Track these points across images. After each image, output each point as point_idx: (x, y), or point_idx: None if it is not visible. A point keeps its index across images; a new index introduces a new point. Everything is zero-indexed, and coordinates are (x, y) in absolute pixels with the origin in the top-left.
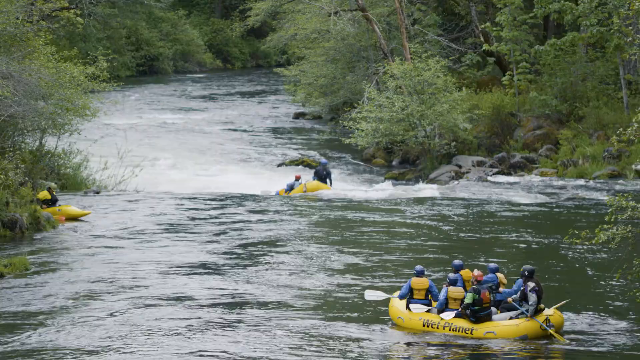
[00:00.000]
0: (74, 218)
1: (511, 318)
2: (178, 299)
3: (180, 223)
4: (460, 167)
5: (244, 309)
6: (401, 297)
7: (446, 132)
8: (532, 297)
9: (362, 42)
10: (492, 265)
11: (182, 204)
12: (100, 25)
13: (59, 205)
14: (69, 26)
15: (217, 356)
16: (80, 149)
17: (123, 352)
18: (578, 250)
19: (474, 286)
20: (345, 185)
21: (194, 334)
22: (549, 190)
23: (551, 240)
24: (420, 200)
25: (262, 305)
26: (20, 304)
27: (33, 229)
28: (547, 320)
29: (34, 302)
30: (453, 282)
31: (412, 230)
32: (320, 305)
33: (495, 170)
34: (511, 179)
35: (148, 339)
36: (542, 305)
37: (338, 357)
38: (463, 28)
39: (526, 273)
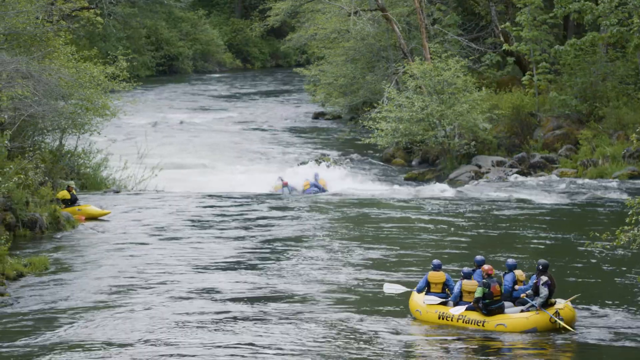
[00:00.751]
0: (94, 217)
1: (522, 311)
2: (201, 293)
3: (201, 222)
4: (480, 167)
5: (270, 302)
6: (419, 291)
7: (466, 132)
8: (544, 291)
9: (382, 42)
10: (510, 261)
11: (202, 203)
12: (120, 25)
13: (79, 205)
14: (89, 26)
15: (245, 348)
16: (100, 148)
17: (152, 345)
18: (597, 249)
19: (484, 280)
20: (365, 185)
21: (221, 326)
22: (568, 190)
23: (571, 239)
24: (440, 200)
25: (289, 298)
26: (41, 303)
27: (53, 228)
28: (556, 313)
29: (55, 300)
30: (467, 276)
31: (431, 227)
32: (343, 298)
33: (515, 170)
34: (531, 179)
35: (173, 332)
36: (552, 300)
37: (360, 348)
38: (483, 28)
39: (540, 267)
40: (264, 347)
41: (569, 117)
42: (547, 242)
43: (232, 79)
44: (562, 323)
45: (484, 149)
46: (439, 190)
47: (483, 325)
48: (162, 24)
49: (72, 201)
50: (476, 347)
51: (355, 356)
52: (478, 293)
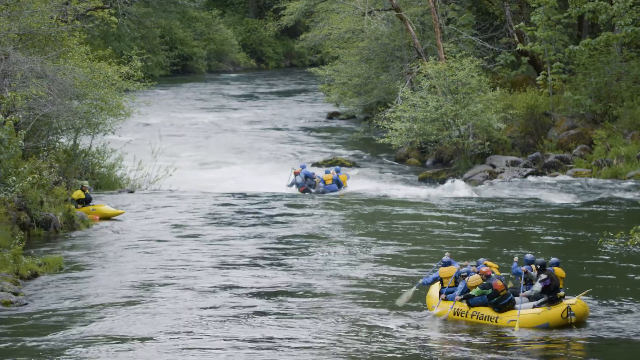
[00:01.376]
0: (108, 217)
1: (534, 307)
2: (218, 290)
3: (216, 221)
4: (494, 167)
5: (290, 297)
6: (425, 284)
7: (480, 131)
8: (538, 286)
9: (396, 42)
10: (528, 256)
11: (217, 202)
12: (134, 24)
13: (93, 205)
14: (103, 25)
15: (266, 342)
16: (114, 148)
17: (167, 342)
18: (611, 247)
19: (484, 282)
20: (380, 185)
21: (240, 322)
22: (583, 190)
23: (585, 238)
24: (454, 200)
25: (308, 293)
26: (56, 302)
27: (67, 228)
28: (568, 309)
29: (69, 300)
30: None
31: (446, 225)
32: (362, 293)
33: (529, 170)
34: (545, 179)
35: (190, 328)
36: (562, 293)
37: (378, 343)
38: (497, 27)
39: (538, 266)
40: (285, 340)
41: (584, 117)
42: (561, 240)
43: (246, 78)
44: (573, 320)
45: (498, 148)
46: (454, 189)
47: (496, 322)
48: (176, 23)
49: (87, 201)
50: (489, 342)
51: (373, 350)
52: (476, 293)
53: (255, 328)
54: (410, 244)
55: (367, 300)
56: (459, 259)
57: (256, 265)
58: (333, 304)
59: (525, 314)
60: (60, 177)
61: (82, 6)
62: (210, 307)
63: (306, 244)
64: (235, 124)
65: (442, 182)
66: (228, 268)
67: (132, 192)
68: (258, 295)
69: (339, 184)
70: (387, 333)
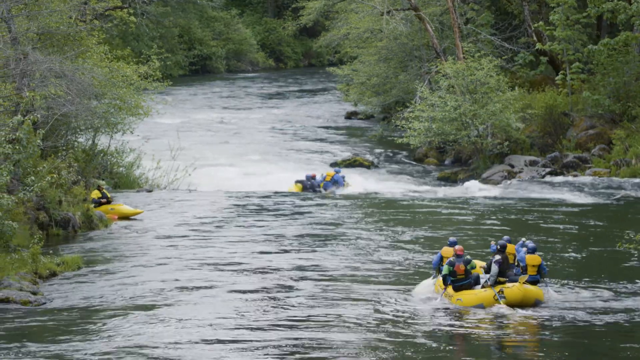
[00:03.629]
0: (126, 217)
1: (482, 288)
2: (239, 289)
3: (235, 220)
4: (512, 166)
5: (317, 289)
6: (434, 265)
7: (499, 131)
8: (494, 268)
9: (415, 42)
10: (530, 244)
11: (236, 202)
12: (152, 24)
13: (111, 204)
14: (122, 25)
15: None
16: (132, 147)
17: (191, 343)
18: (631, 248)
19: (450, 259)
20: (398, 184)
21: (261, 321)
22: (601, 190)
23: (603, 237)
24: (473, 198)
25: (333, 286)
26: (74, 302)
27: (86, 227)
28: (501, 291)
29: (88, 299)
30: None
31: (464, 221)
32: (386, 281)
33: (547, 170)
34: (564, 178)
35: (211, 330)
36: (503, 279)
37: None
38: (516, 27)
39: (498, 247)
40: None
41: (602, 117)
42: (580, 240)
43: (265, 78)
44: (503, 302)
45: (517, 148)
46: (472, 189)
47: (450, 299)
48: (195, 23)
49: (105, 201)
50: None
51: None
52: (445, 271)
53: (280, 328)
54: (429, 238)
55: (391, 285)
56: (476, 257)
57: (277, 262)
58: (358, 290)
59: (466, 294)
60: (79, 177)
61: (101, 6)
62: (233, 306)
63: (326, 240)
64: (254, 124)
65: (461, 181)
66: (248, 266)
67: (150, 191)
68: (280, 293)
69: (339, 182)
70: (396, 317)
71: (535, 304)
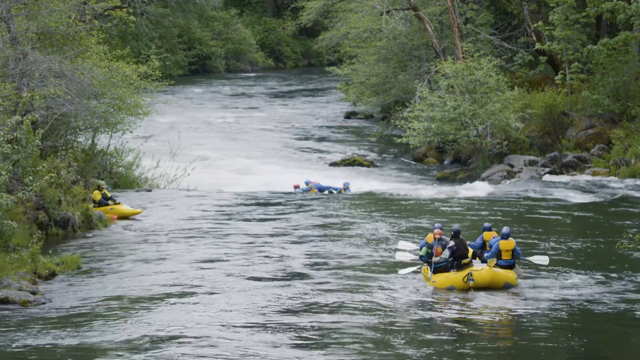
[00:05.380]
0: (126, 217)
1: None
2: (237, 288)
3: (234, 220)
4: (512, 166)
5: (316, 287)
6: (420, 248)
7: (498, 131)
8: (446, 253)
9: (414, 41)
10: (505, 230)
11: (235, 202)
12: (152, 24)
13: (111, 204)
14: (122, 25)
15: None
16: (132, 147)
17: (190, 343)
18: (629, 249)
19: (429, 242)
20: (397, 184)
21: (263, 321)
22: (601, 189)
23: (602, 237)
24: (472, 198)
25: (334, 283)
26: (74, 301)
27: (85, 227)
28: (469, 274)
29: (87, 299)
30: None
31: (465, 220)
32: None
33: (547, 169)
34: (563, 178)
35: (211, 329)
36: (467, 260)
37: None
38: (515, 27)
39: (452, 232)
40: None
41: (602, 117)
42: (578, 239)
43: (265, 78)
44: (471, 285)
45: (516, 148)
46: (472, 189)
47: (428, 281)
48: (194, 23)
49: (106, 200)
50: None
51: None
52: (422, 252)
53: (280, 330)
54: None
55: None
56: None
57: (277, 261)
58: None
59: (440, 276)
60: (79, 177)
61: (100, 6)
62: (231, 305)
63: (325, 238)
64: (253, 123)
65: (460, 181)
66: (248, 266)
67: (150, 191)
68: (281, 294)
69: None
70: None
71: (505, 287)
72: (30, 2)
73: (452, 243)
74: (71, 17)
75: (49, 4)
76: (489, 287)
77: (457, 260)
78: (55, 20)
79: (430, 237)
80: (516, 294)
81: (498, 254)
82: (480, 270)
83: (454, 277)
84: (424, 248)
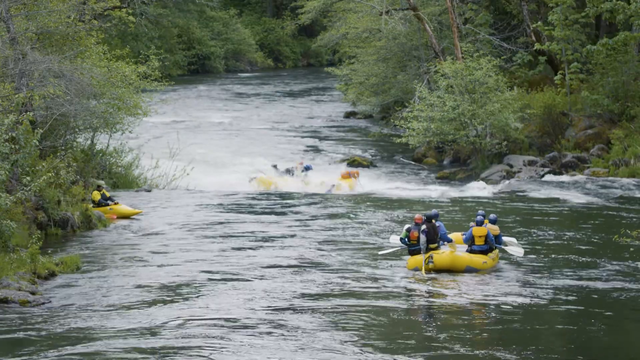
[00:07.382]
0: (125, 217)
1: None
2: (237, 289)
3: (234, 219)
4: (511, 166)
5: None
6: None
7: (497, 131)
8: (422, 238)
9: (414, 41)
10: (492, 216)
11: (234, 202)
12: (151, 24)
13: (111, 204)
14: (121, 25)
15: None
16: (131, 147)
17: (191, 340)
18: (627, 245)
19: (408, 225)
20: (396, 184)
21: (263, 323)
22: (600, 189)
23: (601, 236)
24: (471, 199)
25: (332, 283)
26: (73, 302)
27: (84, 227)
28: (430, 257)
29: (87, 299)
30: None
31: (458, 219)
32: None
33: (546, 169)
34: (562, 178)
35: (213, 330)
36: (434, 245)
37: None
38: (515, 27)
39: (424, 218)
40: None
41: (601, 117)
42: (577, 238)
43: (264, 78)
44: (430, 267)
45: (516, 148)
46: (471, 189)
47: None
48: (193, 23)
49: (106, 201)
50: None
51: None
52: (402, 234)
53: (281, 327)
54: None
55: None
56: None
57: (277, 261)
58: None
59: (412, 259)
60: (78, 177)
61: (100, 6)
62: (233, 304)
63: (326, 237)
64: (253, 123)
65: (460, 181)
66: (248, 265)
67: (149, 191)
68: (281, 292)
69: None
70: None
71: (467, 270)
72: (30, 2)
73: (424, 227)
74: (70, 17)
75: (48, 4)
76: (450, 270)
77: (426, 245)
78: (54, 20)
79: (475, 231)
80: (492, 281)
81: (471, 239)
82: (441, 253)
83: (419, 259)
84: (404, 231)
